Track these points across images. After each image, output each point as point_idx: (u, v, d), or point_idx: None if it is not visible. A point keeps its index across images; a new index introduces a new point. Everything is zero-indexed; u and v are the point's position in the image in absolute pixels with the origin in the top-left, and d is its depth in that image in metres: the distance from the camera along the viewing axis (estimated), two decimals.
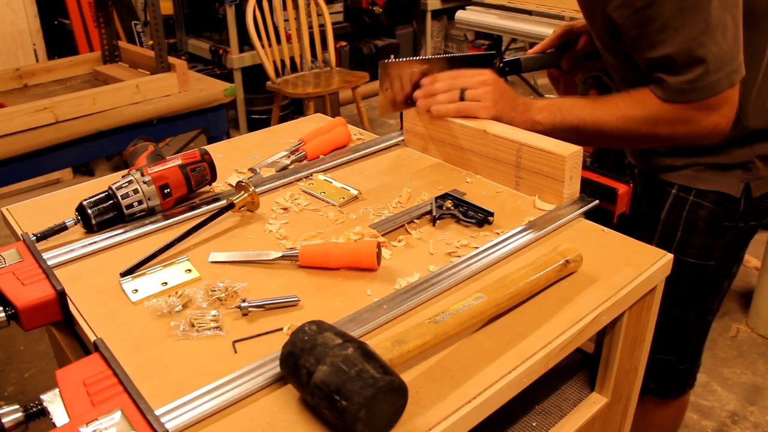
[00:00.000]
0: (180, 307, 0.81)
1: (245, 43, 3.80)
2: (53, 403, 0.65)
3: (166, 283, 0.86)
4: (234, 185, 1.10)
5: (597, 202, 1.03)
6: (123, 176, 1.02)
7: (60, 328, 0.87)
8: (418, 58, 1.11)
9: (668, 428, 1.46)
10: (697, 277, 1.24)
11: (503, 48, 3.96)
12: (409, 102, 1.20)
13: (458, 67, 1.17)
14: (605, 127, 1.09)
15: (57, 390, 0.66)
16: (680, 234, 1.21)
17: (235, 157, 1.25)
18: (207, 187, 1.11)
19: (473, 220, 0.99)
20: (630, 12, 1.01)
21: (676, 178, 1.20)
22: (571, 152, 0.99)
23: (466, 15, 3.33)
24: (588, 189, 1.04)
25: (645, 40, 1.02)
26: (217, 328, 0.78)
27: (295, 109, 4.18)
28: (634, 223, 0.95)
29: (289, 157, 1.22)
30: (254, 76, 3.84)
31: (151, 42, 3.07)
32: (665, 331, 1.27)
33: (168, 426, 0.62)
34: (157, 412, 0.64)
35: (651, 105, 1.06)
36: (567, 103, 1.12)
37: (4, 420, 0.64)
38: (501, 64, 1.21)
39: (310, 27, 3.57)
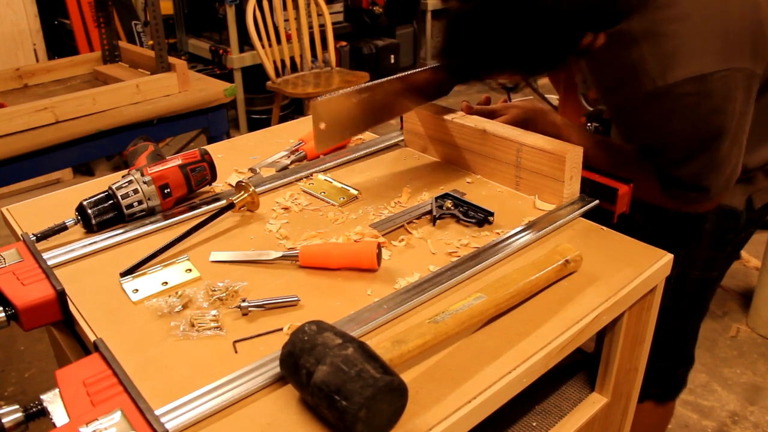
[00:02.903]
0: (180, 307, 0.81)
1: (245, 43, 3.80)
2: (53, 403, 0.65)
3: (166, 283, 0.86)
4: (234, 185, 1.10)
5: (597, 202, 1.03)
6: (123, 176, 1.02)
7: (60, 328, 0.87)
8: (348, 90, 1.06)
9: (663, 427, 1.48)
10: (700, 289, 1.24)
11: None
12: (347, 135, 1.17)
13: (398, 86, 1.12)
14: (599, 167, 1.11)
15: (57, 390, 0.66)
16: (684, 249, 1.19)
17: (235, 157, 1.25)
18: (207, 187, 1.11)
19: (473, 220, 0.99)
20: (643, 123, 1.04)
21: None
22: (571, 152, 0.99)
23: None
24: (588, 189, 1.04)
25: (654, 153, 1.06)
26: (217, 328, 0.78)
27: (295, 109, 4.18)
28: (628, 231, 0.96)
29: (289, 157, 1.22)
30: (254, 76, 3.84)
31: (151, 42, 3.07)
32: (666, 341, 1.27)
33: (168, 426, 0.62)
34: (157, 412, 0.64)
35: (652, 187, 1.09)
36: (579, 139, 1.12)
37: (4, 420, 0.64)
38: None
39: (310, 27, 3.56)
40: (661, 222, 1.20)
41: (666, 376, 1.34)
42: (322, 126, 1.03)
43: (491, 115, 1.18)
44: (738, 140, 1.01)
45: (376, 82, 1.09)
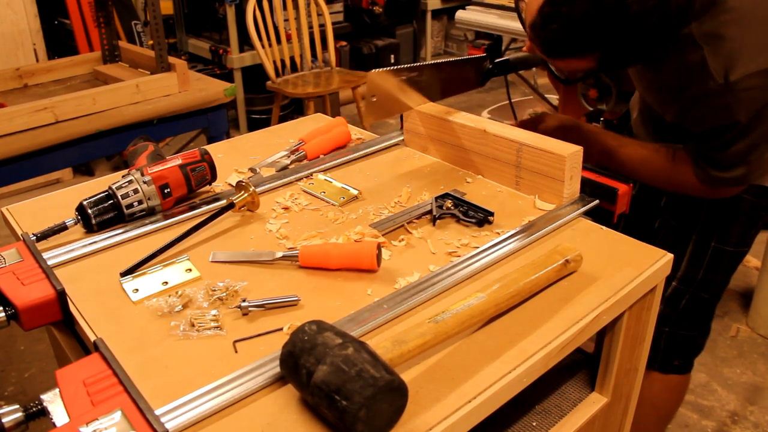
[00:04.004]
0: (180, 306, 0.81)
1: (245, 43, 3.80)
2: (53, 403, 0.65)
3: (166, 283, 0.87)
4: (234, 185, 1.10)
5: (597, 201, 1.03)
6: (123, 176, 1.02)
7: (60, 328, 0.87)
8: (403, 66, 1.11)
9: (680, 401, 1.53)
10: (732, 262, 1.33)
11: (503, 48, 3.96)
12: (395, 111, 1.20)
13: (445, 72, 1.18)
14: (625, 170, 1.22)
15: (57, 390, 0.66)
16: (722, 225, 1.28)
17: (235, 157, 1.25)
18: (207, 187, 1.11)
19: (473, 220, 0.99)
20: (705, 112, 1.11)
21: None
22: (571, 152, 0.99)
23: (466, 15, 3.32)
24: (588, 189, 1.04)
25: (709, 137, 1.12)
26: (217, 327, 0.78)
27: (295, 109, 4.18)
28: (648, 214, 1.00)
29: (289, 157, 1.22)
30: (254, 76, 3.84)
31: (151, 42, 3.07)
32: (692, 312, 1.36)
33: (168, 426, 0.62)
34: (157, 412, 0.64)
35: (684, 178, 1.18)
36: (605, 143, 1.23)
37: (4, 420, 0.64)
38: (490, 66, 1.22)
39: (310, 27, 3.56)
40: (700, 202, 1.27)
41: (687, 344, 1.40)
42: (374, 98, 1.08)
43: (532, 125, 1.26)
44: None
45: (426, 63, 1.14)
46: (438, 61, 1.15)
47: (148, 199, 1.00)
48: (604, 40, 0.98)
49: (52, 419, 0.64)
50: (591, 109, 1.49)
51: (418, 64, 1.12)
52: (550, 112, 2.17)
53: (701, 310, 1.38)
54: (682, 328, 1.37)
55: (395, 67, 1.09)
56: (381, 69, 1.07)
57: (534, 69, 2.77)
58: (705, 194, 1.20)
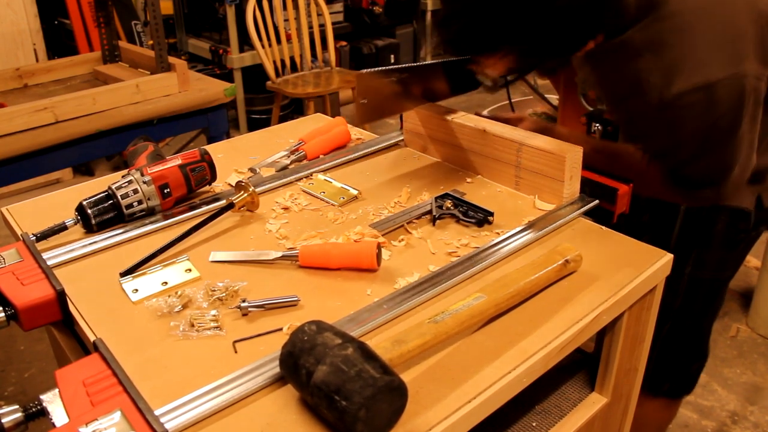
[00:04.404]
0: (180, 307, 0.81)
1: (245, 43, 3.80)
2: (53, 403, 0.65)
3: (166, 283, 0.86)
4: (234, 185, 1.10)
5: (597, 201, 1.03)
6: (123, 176, 1.02)
7: (60, 328, 0.87)
8: (391, 67, 1.09)
9: (664, 426, 1.48)
10: (713, 289, 1.24)
11: None
12: (386, 112, 1.19)
13: (438, 73, 1.15)
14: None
15: (57, 390, 0.66)
16: (696, 252, 1.19)
17: (235, 157, 1.25)
18: (207, 187, 1.11)
19: (473, 220, 0.99)
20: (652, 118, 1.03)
21: None
22: (571, 152, 0.99)
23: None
24: (588, 189, 1.04)
25: (663, 155, 1.05)
26: (217, 328, 0.78)
27: (295, 109, 4.18)
28: (632, 231, 0.96)
29: (289, 157, 1.22)
30: (254, 76, 3.84)
31: (151, 42, 3.07)
32: (680, 339, 1.28)
33: (168, 426, 0.62)
34: (157, 412, 0.63)
35: (659, 184, 1.08)
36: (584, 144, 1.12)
37: (3, 420, 0.64)
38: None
39: (310, 27, 3.56)
40: (671, 224, 1.20)
41: (679, 371, 1.34)
42: (364, 101, 1.06)
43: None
44: (747, 140, 1.00)
45: (417, 64, 1.12)
46: (432, 61, 1.14)
47: (148, 199, 1.00)
48: (514, 33, 0.91)
49: (51, 419, 0.64)
50: (591, 109, 1.49)
51: (407, 65, 1.11)
52: (550, 112, 2.16)
53: (687, 338, 1.30)
54: (669, 354, 1.29)
55: (383, 68, 1.07)
56: (369, 70, 1.05)
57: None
58: (681, 200, 1.13)
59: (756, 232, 1.20)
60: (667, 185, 1.08)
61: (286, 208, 1.05)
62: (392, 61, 4.62)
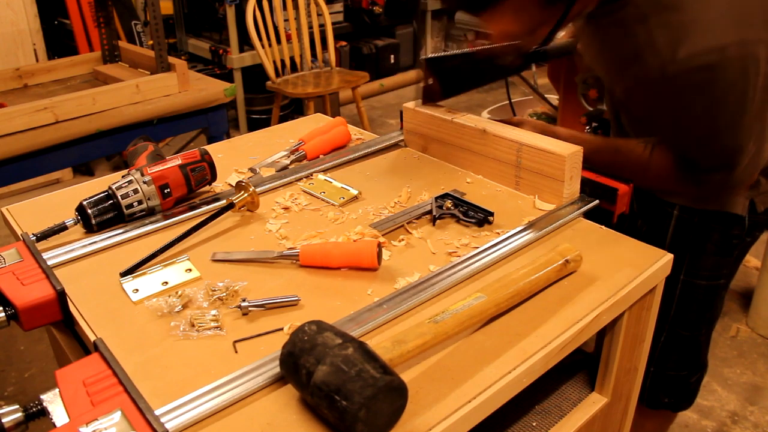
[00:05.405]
0: (180, 306, 0.81)
1: (245, 43, 3.80)
2: (53, 403, 0.65)
3: (166, 283, 0.86)
4: (234, 185, 1.10)
5: (597, 201, 1.03)
6: (123, 176, 1.02)
7: (60, 328, 0.87)
8: (454, 52, 1.15)
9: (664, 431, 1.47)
10: (709, 296, 1.21)
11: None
12: (446, 94, 1.22)
13: (490, 58, 1.15)
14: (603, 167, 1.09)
15: (57, 390, 0.66)
16: (689, 259, 1.17)
17: (235, 157, 1.25)
18: (207, 187, 1.11)
19: (473, 220, 0.99)
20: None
21: (677, 199, 1.15)
22: (571, 152, 0.99)
23: (466, 15, 3.33)
24: (588, 189, 1.04)
25: (670, 136, 1.01)
26: (217, 327, 0.78)
27: (295, 109, 4.18)
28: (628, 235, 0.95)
29: (289, 157, 1.22)
30: (254, 76, 3.84)
31: (151, 42, 3.07)
32: (675, 350, 1.25)
33: (168, 426, 0.62)
34: (157, 412, 0.64)
35: (663, 172, 1.05)
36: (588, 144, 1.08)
37: (4, 420, 0.64)
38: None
39: (310, 27, 3.56)
40: (663, 230, 1.18)
41: (678, 384, 1.31)
42: (430, 81, 1.11)
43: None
44: (760, 115, 0.93)
45: (478, 48, 1.14)
46: (480, 47, 1.13)
47: (148, 199, 1.00)
48: None
49: (52, 419, 0.64)
50: (591, 109, 1.49)
51: (466, 50, 1.14)
52: (550, 112, 2.17)
53: (685, 348, 1.26)
54: (667, 367, 1.26)
55: (446, 53, 1.14)
56: (433, 55, 1.10)
57: (534, 69, 2.77)
58: (689, 188, 1.06)
59: (751, 238, 1.18)
60: (675, 173, 1.03)
61: (286, 208, 1.05)
62: (392, 61, 4.63)
